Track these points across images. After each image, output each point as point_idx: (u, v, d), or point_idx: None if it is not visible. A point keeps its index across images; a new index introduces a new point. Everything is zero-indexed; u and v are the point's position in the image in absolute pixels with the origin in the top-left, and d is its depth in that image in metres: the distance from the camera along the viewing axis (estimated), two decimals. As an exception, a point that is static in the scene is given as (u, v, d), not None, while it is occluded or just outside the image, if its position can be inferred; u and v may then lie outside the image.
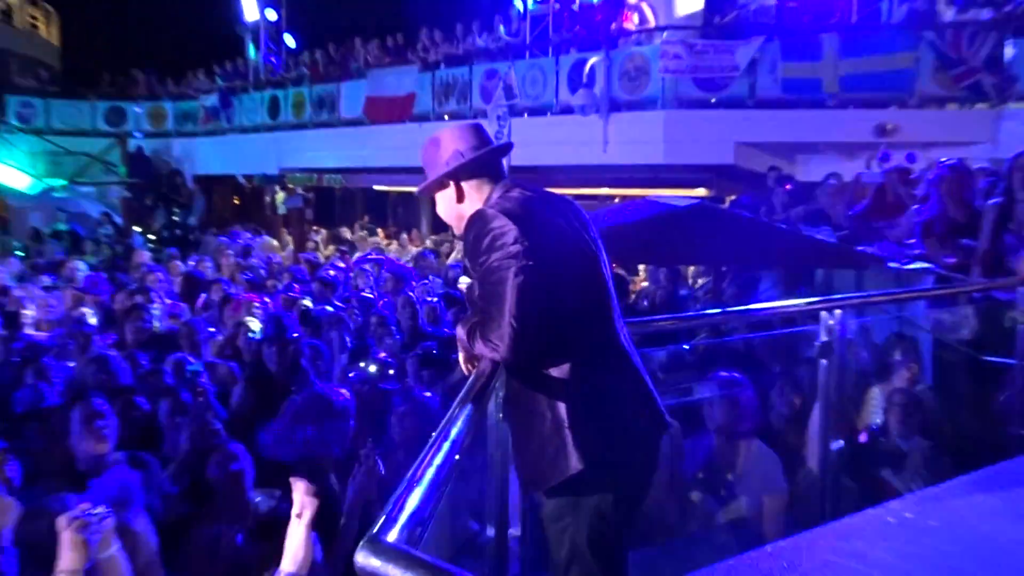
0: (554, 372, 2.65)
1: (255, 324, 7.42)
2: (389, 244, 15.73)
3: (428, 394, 4.72)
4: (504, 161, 2.98)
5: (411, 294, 8.18)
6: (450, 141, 2.84)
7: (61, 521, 2.47)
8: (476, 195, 2.82)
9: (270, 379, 5.61)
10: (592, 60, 13.34)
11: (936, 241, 6.59)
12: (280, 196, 19.64)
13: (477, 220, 2.65)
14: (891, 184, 7.70)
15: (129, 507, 3.00)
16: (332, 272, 10.41)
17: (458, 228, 2.88)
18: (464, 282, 2.86)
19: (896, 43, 11.66)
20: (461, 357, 2.83)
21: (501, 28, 16.24)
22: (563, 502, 2.68)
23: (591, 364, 2.68)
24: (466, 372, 2.78)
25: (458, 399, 2.39)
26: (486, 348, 2.57)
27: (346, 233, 17.50)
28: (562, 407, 2.63)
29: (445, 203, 2.89)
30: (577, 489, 2.64)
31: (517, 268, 2.52)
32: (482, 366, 2.63)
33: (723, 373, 5.05)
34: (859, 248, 7.23)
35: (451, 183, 2.83)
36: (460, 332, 2.75)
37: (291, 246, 16.44)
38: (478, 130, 2.89)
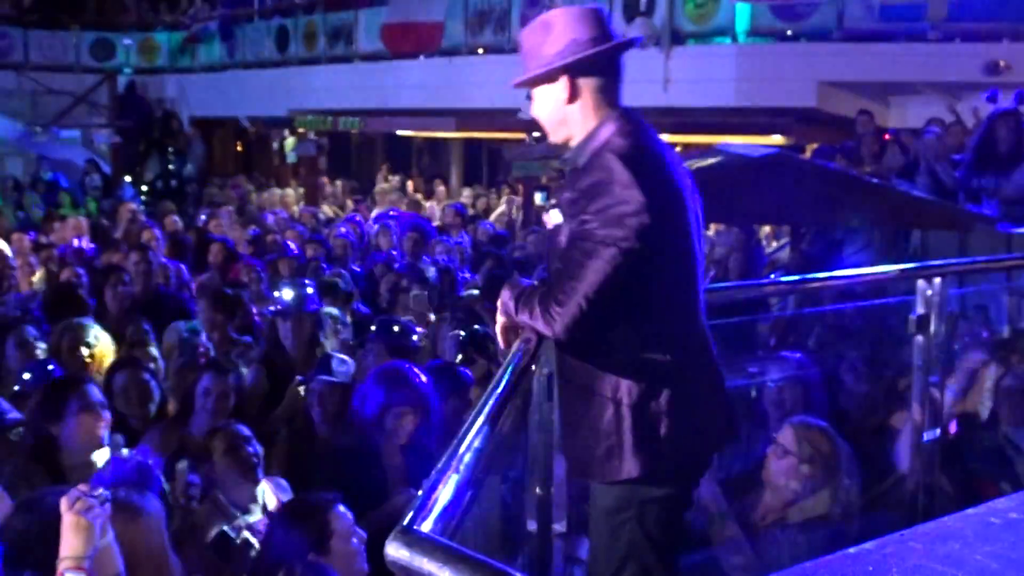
0: (625, 358, 2.67)
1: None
2: (419, 197, 15.83)
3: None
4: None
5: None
6: (566, 27, 2.71)
7: (63, 503, 2.56)
8: (591, 103, 2.72)
9: (284, 358, 5.73)
10: (652, -18, 13.23)
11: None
12: (289, 142, 19.76)
13: (603, 168, 2.58)
14: (1000, 131, 7.59)
15: (146, 491, 3.12)
16: (344, 230, 10.53)
17: (556, 133, 2.81)
18: (554, 219, 2.70)
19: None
20: (500, 325, 2.81)
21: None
22: (622, 494, 2.72)
23: (669, 359, 2.69)
24: (502, 344, 2.81)
25: (498, 374, 2.44)
26: (540, 318, 2.57)
27: (380, 183, 17.56)
28: (627, 402, 2.64)
29: (549, 101, 2.76)
30: (637, 484, 2.69)
31: (619, 250, 2.49)
32: (526, 335, 2.66)
33: (790, 354, 5.08)
34: (964, 207, 7.17)
35: (563, 78, 2.71)
36: (505, 296, 2.74)
37: (303, 200, 16.56)
38: (600, 17, 2.77)
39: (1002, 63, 11.22)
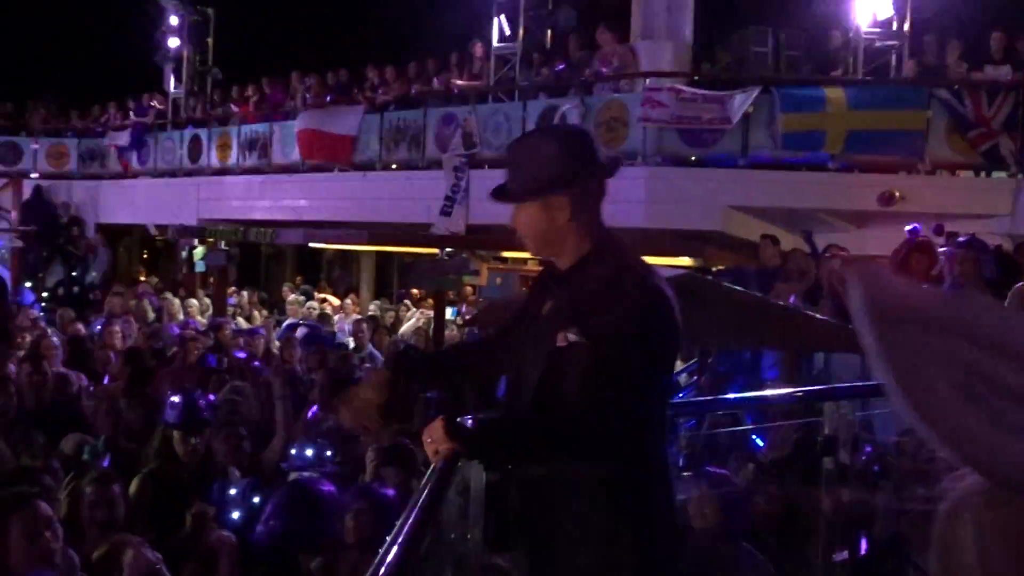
0: (629, 481, 2.64)
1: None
2: (328, 308, 15.70)
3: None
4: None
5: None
6: (566, 146, 2.71)
7: None
8: (586, 222, 2.72)
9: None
10: (564, 107, 13.56)
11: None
12: (198, 251, 19.49)
13: (651, 296, 2.63)
14: (916, 264, 7.77)
15: None
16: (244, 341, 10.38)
17: (541, 249, 2.80)
18: (569, 338, 2.51)
19: (906, 100, 12.01)
20: (436, 447, 2.57)
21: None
22: None
23: (661, 474, 2.73)
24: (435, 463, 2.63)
25: (419, 493, 2.40)
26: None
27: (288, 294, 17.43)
28: (642, 529, 2.62)
29: (543, 218, 2.70)
30: None
31: (647, 378, 2.58)
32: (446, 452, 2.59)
33: (710, 468, 5.11)
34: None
35: (565, 196, 2.67)
36: (470, 426, 2.64)
37: (209, 310, 16.29)
38: (592, 140, 2.84)
39: (897, 194, 11.69)
